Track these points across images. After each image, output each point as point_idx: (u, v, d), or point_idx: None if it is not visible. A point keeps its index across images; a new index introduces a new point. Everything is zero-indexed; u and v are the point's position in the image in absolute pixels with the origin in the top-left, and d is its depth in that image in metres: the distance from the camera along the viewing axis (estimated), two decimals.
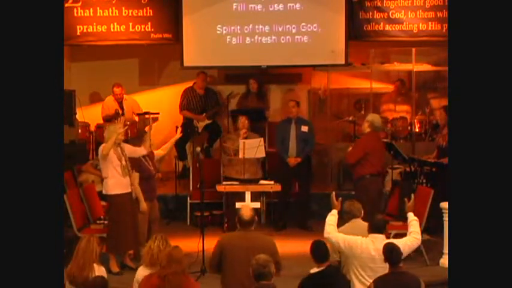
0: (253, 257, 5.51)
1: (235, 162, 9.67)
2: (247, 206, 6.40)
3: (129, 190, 7.94)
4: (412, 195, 6.82)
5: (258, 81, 11.23)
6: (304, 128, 9.91)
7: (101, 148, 7.87)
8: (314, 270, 5.85)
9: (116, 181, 7.84)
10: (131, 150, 8.05)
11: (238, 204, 8.91)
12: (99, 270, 6.06)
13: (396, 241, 6.17)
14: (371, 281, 6.03)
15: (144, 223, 8.15)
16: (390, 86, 11.99)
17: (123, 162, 7.85)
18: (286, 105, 10.22)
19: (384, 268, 5.97)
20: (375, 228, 6.19)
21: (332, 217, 6.44)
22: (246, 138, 9.59)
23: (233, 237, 6.34)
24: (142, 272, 5.96)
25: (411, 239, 6.26)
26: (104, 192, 8.01)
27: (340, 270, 6.04)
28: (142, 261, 6.11)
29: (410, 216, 6.52)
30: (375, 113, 9.63)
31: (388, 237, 6.89)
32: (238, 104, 11.35)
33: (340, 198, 6.65)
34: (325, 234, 6.35)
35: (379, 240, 6.10)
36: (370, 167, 8.58)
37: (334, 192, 6.73)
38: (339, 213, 6.55)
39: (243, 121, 9.80)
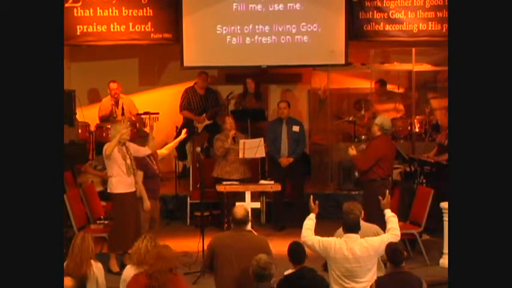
0: (246, 257, 5.51)
1: (224, 163, 9.69)
2: (241, 206, 6.41)
3: (134, 189, 7.95)
4: (387, 192, 6.80)
5: (255, 81, 11.22)
6: (296, 128, 9.94)
7: (104, 147, 7.89)
8: (288, 271, 5.84)
9: (121, 180, 7.85)
10: (135, 149, 8.06)
11: (238, 204, 8.93)
12: (97, 267, 6.09)
13: (374, 238, 6.15)
14: (348, 281, 6.04)
15: (145, 222, 8.16)
16: (390, 86, 11.98)
17: (128, 162, 7.86)
18: (277, 106, 10.21)
19: (360, 267, 5.97)
20: (349, 228, 6.15)
21: (309, 221, 6.37)
22: (234, 138, 9.63)
23: (224, 236, 6.36)
24: (129, 271, 5.98)
25: (389, 236, 6.21)
26: (108, 190, 8.02)
27: (316, 271, 6.01)
28: (130, 260, 6.11)
29: (388, 212, 6.49)
30: (383, 115, 9.52)
31: None
32: (236, 105, 11.35)
33: (317, 202, 6.59)
34: (302, 238, 6.28)
35: (352, 240, 6.06)
36: (381, 171, 8.43)
37: (312, 196, 6.67)
38: (317, 216, 6.50)
39: (229, 122, 9.82)
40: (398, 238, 6.30)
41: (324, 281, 5.78)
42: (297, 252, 5.86)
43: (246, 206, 8.77)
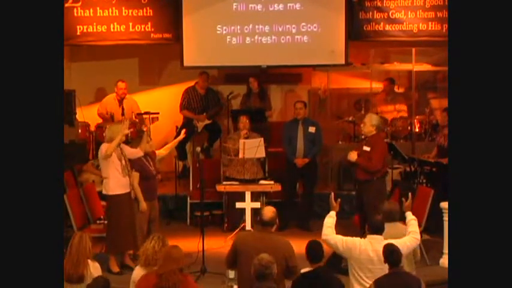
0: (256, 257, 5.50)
1: (236, 163, 9.67)
2: (270, 207, 6.38)
3: (129, 190, 7.94)
4: (410, 195, 6.81)
5: (257, 79, 11.22)
6: (312, 129, 9.90)
7: (103, 148, 7.82)
8: (305, 270, 5.84)
9: (117, 181, 7.84)
10: (129, 151, 8.04)
11: (238, 204, 8.93)
12: (94, 267, 6.10)
13: (395, 241, 6.16)
14: (370, 282, 6.04)
15: (143, 223, 8.16)
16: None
17: (123, 162, 7.85)
18: (293, 106, 10.17)
19: (382, 269, 5.97)
20: (373, 229, 6.18)
21: (330, 219, 6.40)
22: (246, 138, 9.59)
23: (249, 237, 6.37)
24: (138, 272, 5.99)
25: (410, 239, 6.26)
26: (104, 192, 8.01)
27: (332, 271, 6.01)
28: (138, 261, 6.12)
29: (409, 215, 6.53)
30: (372, 114, 9.55)
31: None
32: (241, 104, 11.34)
33: (339, 200, 6.62)
34: (323, 236, 6.31)
35: (377, 241, 6.09)
36: (384, 169, 8.58)
37: (333, 193, 6.68)
38: (337, 214, 6.52)
39: (244, 121, 9.80)
40: (419, 242, 6.37)
41: (340, 281, 5.79)
42: (316, 251, 5.85)
43: (246, 206, 8.84)
